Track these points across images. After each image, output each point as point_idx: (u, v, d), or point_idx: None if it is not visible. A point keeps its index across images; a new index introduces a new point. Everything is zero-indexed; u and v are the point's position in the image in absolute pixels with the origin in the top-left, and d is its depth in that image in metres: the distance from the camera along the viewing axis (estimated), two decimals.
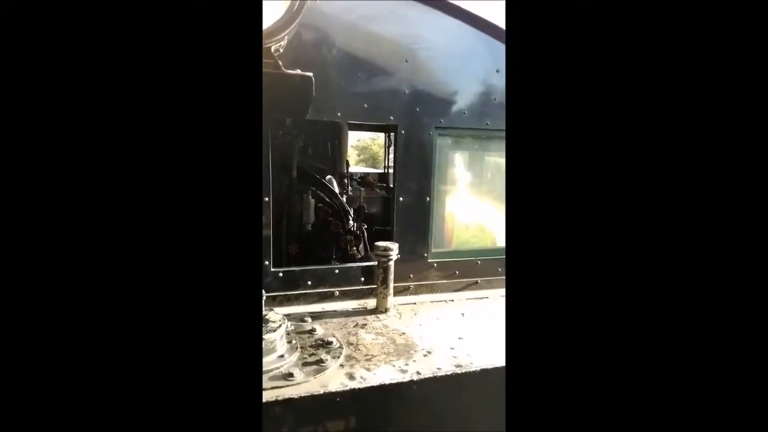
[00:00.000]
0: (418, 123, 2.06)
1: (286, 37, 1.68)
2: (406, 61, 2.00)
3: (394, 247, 1.93)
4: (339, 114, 1.97)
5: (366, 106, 1.97)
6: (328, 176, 3.37)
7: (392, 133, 3.70)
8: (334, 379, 1.38)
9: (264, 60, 1.62)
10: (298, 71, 1.70)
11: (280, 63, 1.66)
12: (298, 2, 1.54)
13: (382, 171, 4.43)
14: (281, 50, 1.70)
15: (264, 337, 1.43)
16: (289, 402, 1.31)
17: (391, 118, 2.03)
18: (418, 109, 2.05)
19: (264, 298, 1.57)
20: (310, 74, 1.70)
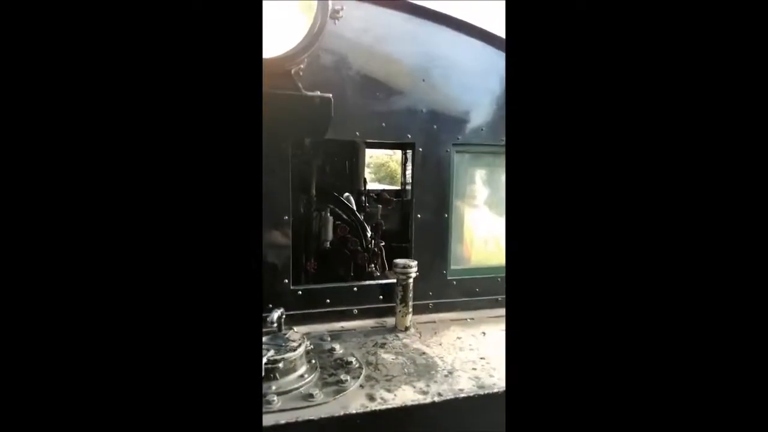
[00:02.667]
0: (435, 140, 2.07)
1: (305, 60, 1.74)
2: (423, 80, 2.03)
3: (413, 264, 1.92)
4: (357, 133, 2.00)
5: (384, 125, 2.00)
6: (346, 194, 3.39)
7: (408, 150, 3.73)
8: (354, 401, 1.36)
9: (284, 82, 1.68)
10: (318, 93, 1.75)
11: (300, 85, 1.71)
12: (317, 26, 1.59)
13: (399, 188, 4.43)
14: (301, 73, 1.75)
15: (284, 356, 1.43)
16: (309, 423, 1.29)
17: (409, 136, 2.04)
18: (435, 126, 2.06)
19: (283, 316, 1.58)
20: (329, 95, 1.74)
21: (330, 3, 1.59)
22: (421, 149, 2.06)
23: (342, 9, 1.63)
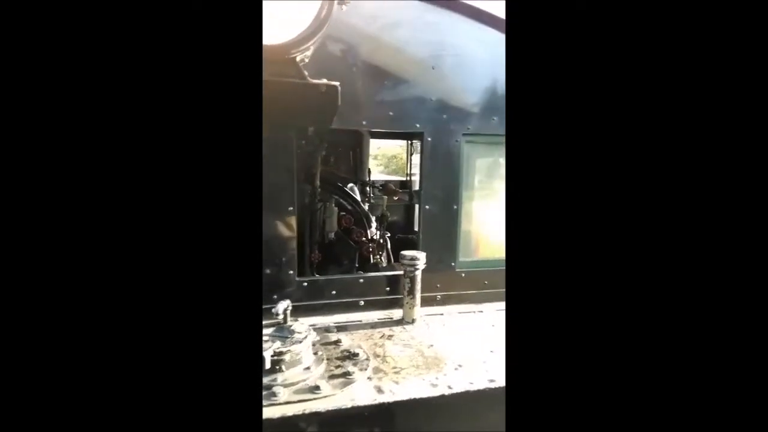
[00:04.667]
0: (444, 130, 2.03)
1: (311, 47, 1.69)
2: (433, 68, 1.98)
3: (421, 256, 1.89)
4: (364, 122, 1.96)
5: (391, 114, 1.95)
6: (350, 184, 3.37)
7: (414, 141, 3.68)
8: (362, 393, 1.35)
9: (289, 70, 1.63)
10: (324, 80, 1.70)
11: (306, 73, 1.67)
12: (324, 12, 1.54)
13: (405, 178, 4.40)
14: (306, 60, 1.70)
15: (290, 348, 1.41)
16: (315, 416, 1.28)
17: (417, 125, 2.00)
18: (444, 116, 2.02)
19: (290, 308, 1.56)
20: (336, 83, 1.70)
21: None
22: (429, 139, 2.02)
23: None
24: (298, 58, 1.63)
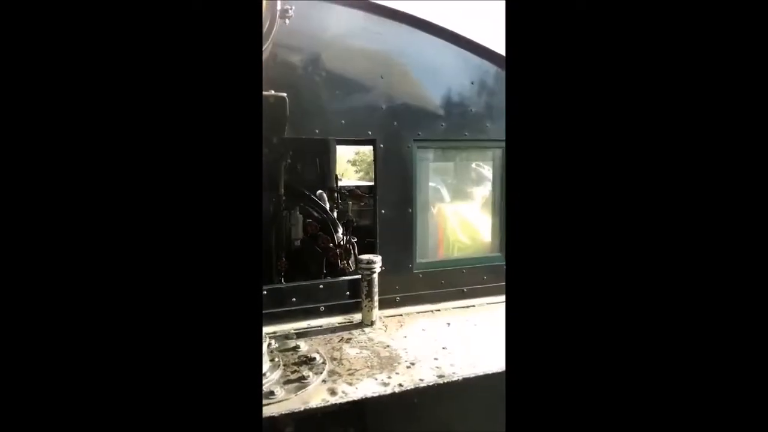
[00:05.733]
0: (396, 136, 2.10)
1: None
2: (382, 77, 2.04)
3: (377, 259, 1.94)
4: (317, 131, 2.00)
5: (343, 122, 2.01)
6: (319, 191, 3.39)
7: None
8: (315, 396, 1.38)
9: None
10: (272, 92, 1.74)
11: None
12: (267, 25, 1.58)
13: (372, 183, 4.46)
14: None
15: None
16: (270, 421, 1.31)
17: (369, 132, 2.06)
18: (395, 123, 2.09)
19: None
20: (284, 94, 1.74)
21: (279, 3, 1.58)
22: (382, 145, 2.08)
23: (291, 9, 1.63)
24: None
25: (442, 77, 2.14)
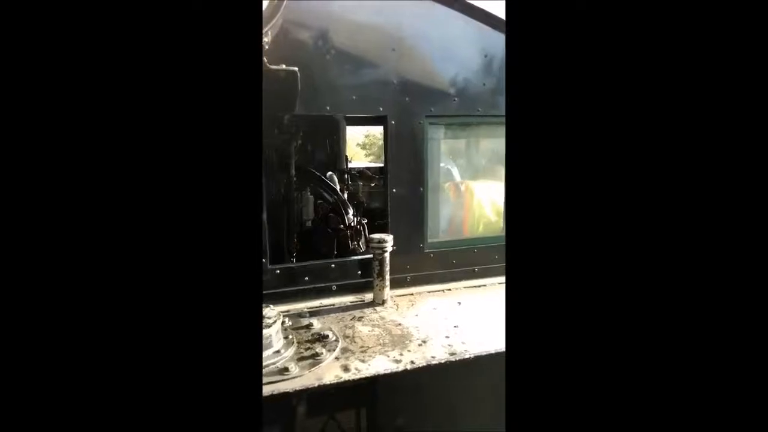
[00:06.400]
0: (407, 112, 2.05)
1: (269, 33, 1.69)
2: (393, 50, 1.98)
3: (388, 239, 1.93)
4: (328, 107, 1.96)
5: (354, 98, 1.96)
6: (329, 172, 3.37)
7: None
8: (328, 372, 1.39)
9: None
10: (283, 66, 1.71)
11: (265, 59, 1.67)
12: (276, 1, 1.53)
13: (383, 165, 4.42)
14: (266, 47, 1.70)
15: None
16: (284, 396, 1.32)
17: (381, 108, 2.01)
18: (407, 98, 2.03)
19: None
20: (295, 68, 1.70)
21: None
22: (393, 122, 2.03)
23: None
24: None
25: (455, 50, 2.07)
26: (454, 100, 2.10)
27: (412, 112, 2.05)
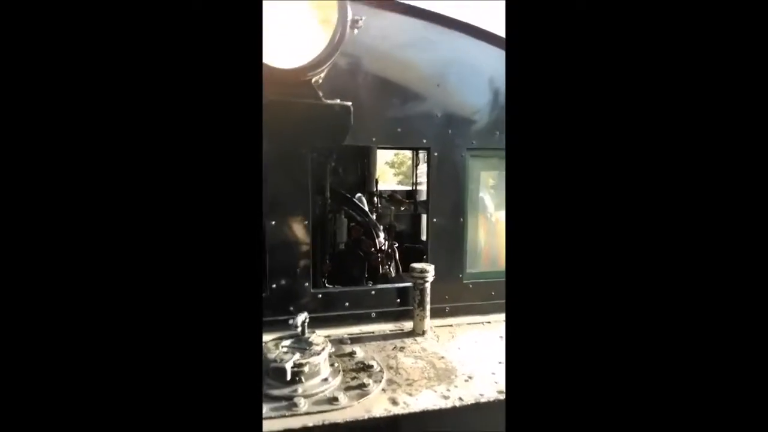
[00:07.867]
0: (450, 145, 2.10)
1: (325, 69, 1.76)
2: (438, 86, 2.04)
3: (430, 268, 1.94)
4: (374, 139, 2.02)
5: (399, 130, 2.02)
6: (358, 194, 3.43)
7: (420, 151, 3.74)
8: (377, 405, 1.40)
9: (305, 91, 1.70)
10: (338, 101, 1.78)
11: (320, 93, 1.74)
12: (338, 36, 1.61)
13: (411, 188, 4.46)
14: (320, 81, 1.78)
15: (309, 360, 1.47)
16: (334, 427, 1.33)
17: (424, 141, 2.07)
18: (450, 131, 2.08)
19: (307, 319, 1.61)
20: (349, 104, 1.77)
21: (350, 13, 1.61)
22: (436, 154, 2.08)
23: (362, 19, 1.65)
24: (313, 80, 1.70)
25: (498, 85, 2.12)
26: (496, 134, 2.14)
27: (455, 144, 2.10)
